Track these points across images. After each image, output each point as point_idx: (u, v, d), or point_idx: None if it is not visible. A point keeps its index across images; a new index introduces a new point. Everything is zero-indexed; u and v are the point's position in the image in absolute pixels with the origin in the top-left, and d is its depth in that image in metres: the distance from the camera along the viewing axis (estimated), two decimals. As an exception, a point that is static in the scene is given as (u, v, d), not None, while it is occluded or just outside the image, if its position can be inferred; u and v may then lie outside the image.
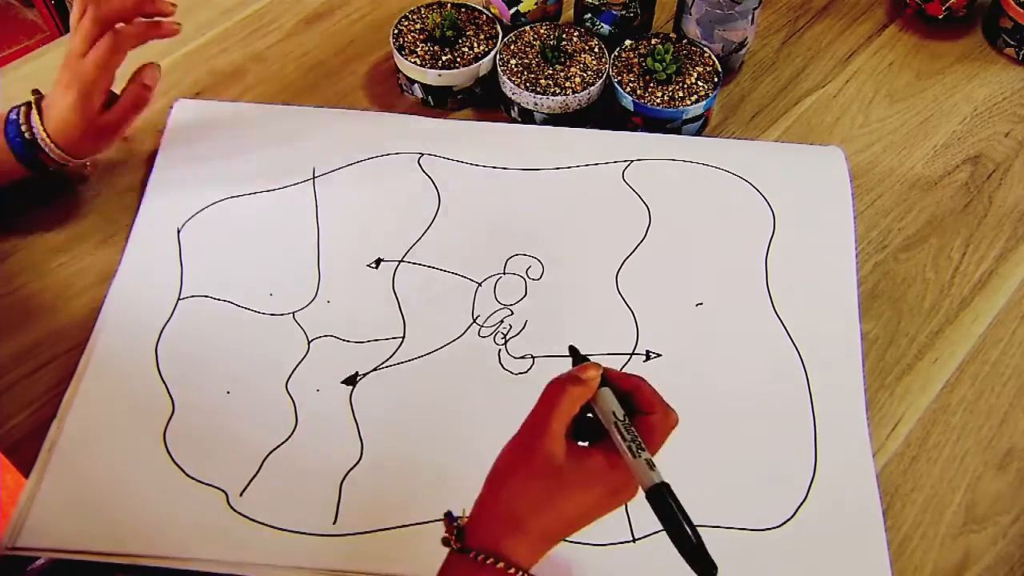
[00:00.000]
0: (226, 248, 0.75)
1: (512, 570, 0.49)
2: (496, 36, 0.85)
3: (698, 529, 0.49)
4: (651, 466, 0.49)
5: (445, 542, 0.53)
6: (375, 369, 0.69)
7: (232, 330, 0.71)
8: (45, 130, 0.71)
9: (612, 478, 0.51)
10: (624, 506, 0.62)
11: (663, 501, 0.49)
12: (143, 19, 0.71)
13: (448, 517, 0.53)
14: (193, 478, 0.63)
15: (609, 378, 0.53)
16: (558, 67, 0.83)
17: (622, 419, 0.51)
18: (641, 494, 0.50)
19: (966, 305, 0.74)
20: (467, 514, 0.53)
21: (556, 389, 0.52)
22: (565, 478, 0.50)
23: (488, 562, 0.50)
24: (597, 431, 0.52)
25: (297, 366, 0.69)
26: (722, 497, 0.63)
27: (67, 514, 0.61)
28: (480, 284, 0.74)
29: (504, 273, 0.74)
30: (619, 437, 0.50)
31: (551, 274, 0.74)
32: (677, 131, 0.82)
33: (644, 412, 0.52)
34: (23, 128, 0.71)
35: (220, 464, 0.64)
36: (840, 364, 0.70)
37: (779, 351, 0.70)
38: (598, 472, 0.51)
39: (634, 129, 0.83)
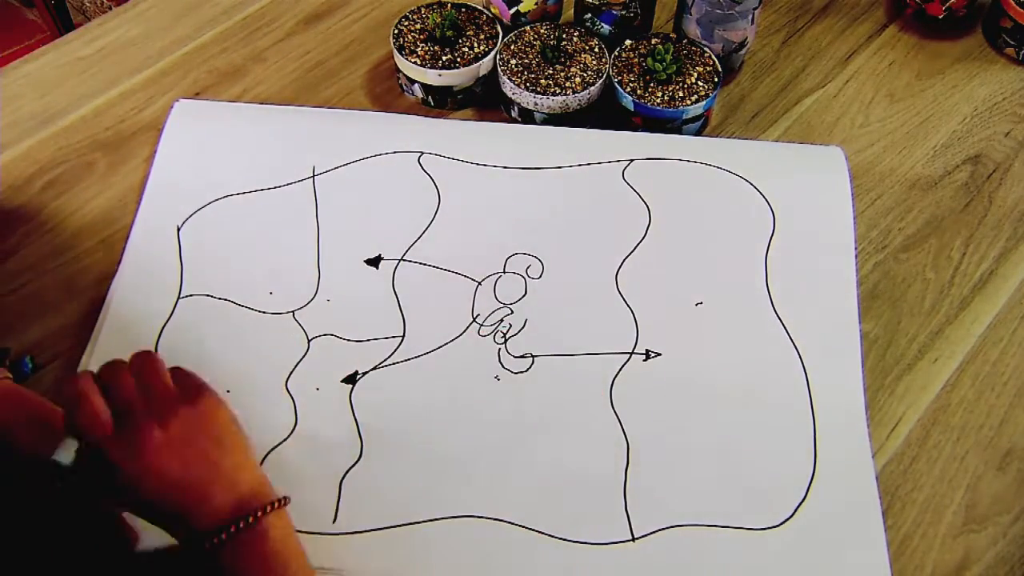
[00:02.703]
0: (226, 246, 0.75)
1: (237, 520, 0.52)
2: (496, 36, 0.85)
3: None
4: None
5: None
6: (375, 368, 0.69)
7: (232, 329, 0.71)
8: None
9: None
10: (624, 504, 0.62)
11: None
12: None
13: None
14: (193, 477, 0.63)
15: None
16: (558, 67, 0.83)
17: None
18: None
19: (966, 305, 0.74)
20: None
21: None
22: None
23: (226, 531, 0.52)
24: None
25: (297, 365, 0.69)
26: (722, 497, 0.63)
27: (67, 513, 0.61)
28: (480, 283, 0.74)
29: (504, 272, 0.74)
30: None
31: (551, 273, 0.74)
32: (677, 131, 0.82)
33: None
34: None
35: (220, 463, 0.64)
36: (840, 364, 0.69)
37: (779, 351, 0.70)
38: None
39: (634, 129, 0.83)
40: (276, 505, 0.54)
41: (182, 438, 0.54)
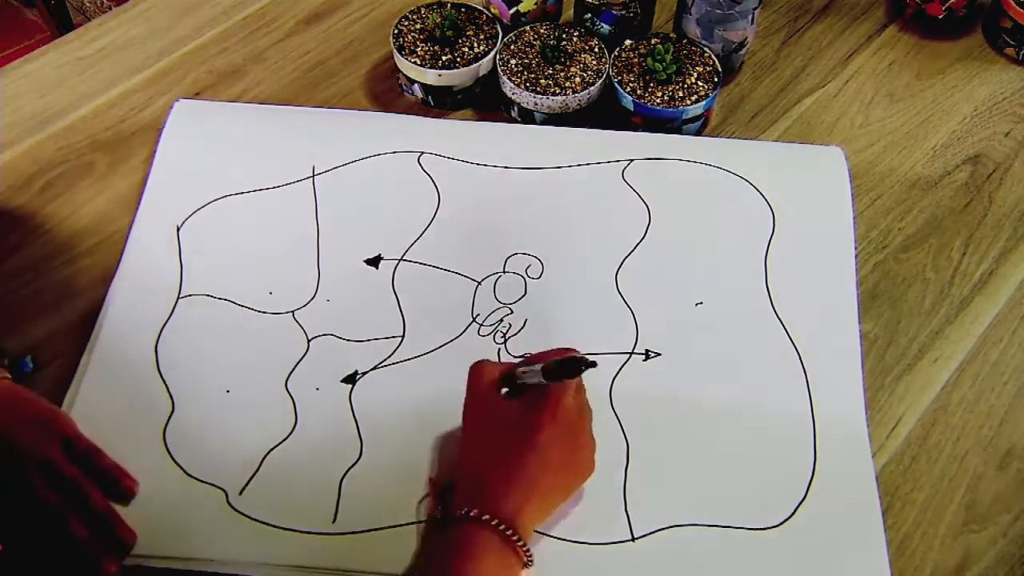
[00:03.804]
0: (226, 246, 0.75)
1: (499, 524, 0.54)
2: (496, 36, 0.85)
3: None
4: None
5: (433, 519, 0.58)
6: (375, 368, 0.69)
7: (232, 329, 0.71)
8: None
9: (544, 411, 0.56)
10: (624, 504, 0.62)
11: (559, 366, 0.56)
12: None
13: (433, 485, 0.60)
14: (193, 476, 0.63)
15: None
16: (558, 67, 0.83)
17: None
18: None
19: (966, 305, 0.74)
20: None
21: (473, 365, 0.61)
22: (505, 419, 0.58)
23: (482, 517, 0.54)
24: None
25: (297, 365, 0.69)
26: (722, 497, 0.63)
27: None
28: (480, 283, 0.74)
29: (504, 272, 0.74)
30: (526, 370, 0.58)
31: (551, 273, 0.74)
32: (677, 131, 0.82)
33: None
34: None
35: (219, 463, 0.64)
36: (840, 364, 0.69)
37: (779, 351, 0.70)
38: (531, 405, 0.57)
39: (634, 129, 0.83)
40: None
41: None
